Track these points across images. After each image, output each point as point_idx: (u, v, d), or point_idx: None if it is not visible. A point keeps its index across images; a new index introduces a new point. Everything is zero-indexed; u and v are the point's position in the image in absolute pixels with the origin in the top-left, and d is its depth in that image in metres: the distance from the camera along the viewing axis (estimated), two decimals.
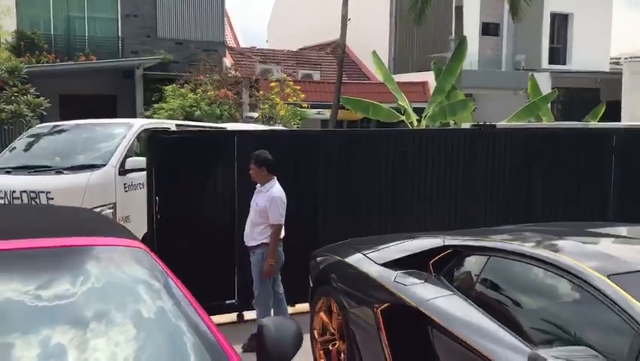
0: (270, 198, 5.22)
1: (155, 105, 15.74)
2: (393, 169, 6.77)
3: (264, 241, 5.27)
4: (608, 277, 2.90)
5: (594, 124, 11.27)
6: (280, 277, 5.56)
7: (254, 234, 5.35)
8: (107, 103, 17.27)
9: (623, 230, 4.44)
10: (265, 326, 2.41)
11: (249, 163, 5.37)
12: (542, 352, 2.62)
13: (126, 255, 2.77)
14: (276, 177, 5.38)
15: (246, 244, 5.46)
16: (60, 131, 7.70)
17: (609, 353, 2.70)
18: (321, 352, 4.76)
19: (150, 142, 5.97)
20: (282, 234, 5.40)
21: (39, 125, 8.64)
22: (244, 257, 5.54)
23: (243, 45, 27.23)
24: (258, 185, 5.41)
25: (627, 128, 8.34)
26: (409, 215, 6.76)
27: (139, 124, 7.43)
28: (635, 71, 10.07)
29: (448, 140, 7.11)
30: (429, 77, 16.01)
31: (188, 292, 2.66)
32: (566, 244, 3.56)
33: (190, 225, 5.99)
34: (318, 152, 6.49)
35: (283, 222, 5.31)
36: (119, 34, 19.09)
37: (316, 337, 4.83)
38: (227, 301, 5.89)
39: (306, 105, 17.65)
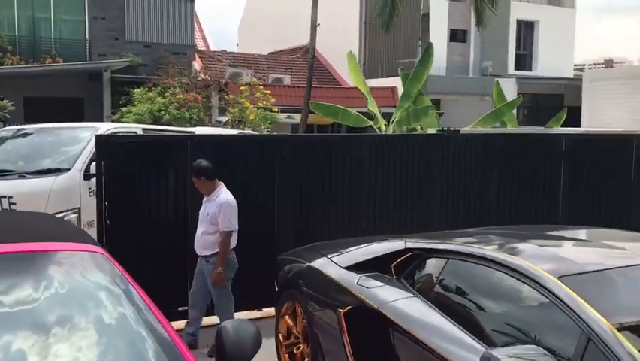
0: (218, 205, 5.20)
1: (123, 109, 15.60)
2: (350, 175, 6.76)
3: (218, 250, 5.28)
4: (559, 278, 3.01)
5: (543, 129, 11.54)
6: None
7: (206, 243, 5.32)
8: (73, 106, 17.03)
9: (576, 233, 4.59)
10: (224, 328, 2.45)
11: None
12: (495, 351, 2.71)
13: (86, 260, 2.77)
14: (223, 184, 5.36)
15: (197, 253, 5.43)
16: (24, 135, 7.60)
17: (559, 351, 2.81)
18: (286, 355, 4.80)
19: (99, 147, 5.81)
20: (234, 242, 5.35)
21: (2, 129, 8.52)
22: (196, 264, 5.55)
23: (213, 48, 27.11)
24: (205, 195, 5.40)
25: (576, 134, 8.57)
26: (365, 219, 6.79)
27: (105, 128, 7.37)
28: (594, 78, 10.37)
29: (404, 145, 7.18)
30: (398, 83, 16.19)
31: (148, 298, 2.67)
32: (521, 246, 3.67)
33: (141, 231, 5.88)
34: (274, 156, 6.43)
35: (235, 229, 5.28)
36: (87, 36, 18.86)
37: (281, 340, 4.87)
38: (179, 308, 5.78)
39: (276, 109, 17.68)
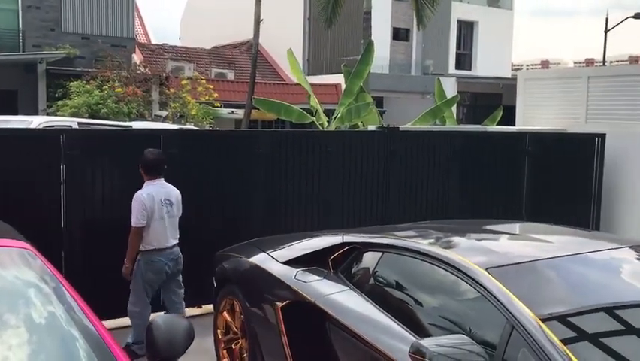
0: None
1: (59, 102, 15.11)
2: (272, 171, 6.63)
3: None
4: (487, 270, 3.12)
5: (492, 127, 11.91)
6: (175, 284, 5.36)
7: None
8: (6, 99, 16.34)
9: (511, 227, 4.76)
10: (155, 323, 2.43)
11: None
12: (425, 341, 2.79)
13: (13, 256, 2.69)
14: (157, 180, 5.13)
15: None
16: None
17: (486, 340, 2.91)
18: (224, 351, 4.78)
19: None
20: (163, 242, 5.13)
21: None
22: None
23: (154, 42, 26.60)
24: None
25: (540, 132, 8.88)
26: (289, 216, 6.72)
27: (38, 121, 7.16)
28: (527, 77, 10.73)
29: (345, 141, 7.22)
30: (342, 80, 16.32)
31: (78, 296, 2.61)
32: (454, 240, 3.79)
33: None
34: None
35: (140, 225, 5.02)
36: (20, 26, 18.15)
37: (219, 336, 4.85)
38: None
39: (218, 104, 17.51)
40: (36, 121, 7.15)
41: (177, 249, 5.28)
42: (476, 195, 7.81)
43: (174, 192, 5.25)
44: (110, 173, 5.82)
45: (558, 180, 8.35)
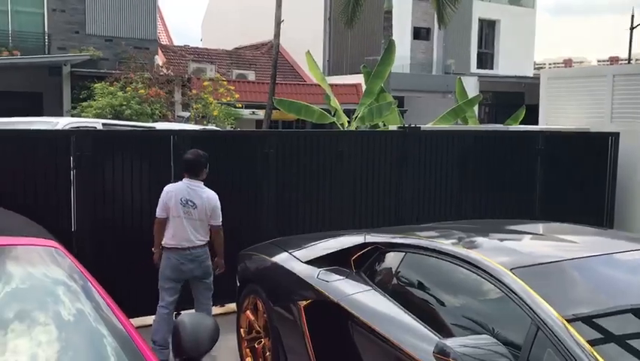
0: None
1: (83, 103, 15.31)
2: (283, 171, 6.66)
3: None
4: (511, 270, 3.10)
5: (515, 127, 11.80)
6: (202, 286, 5.34)
7: None
8: (32, 101, 16.64)
9: (533, 227, 4.71)
10: (181, 321, 2.45)
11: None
12: (449, 341, 2.78)
13: (42, 255, 2.74)
14: (189, 179, 5.18)
15: None
16: None
17: (511, 341, 2.89)
18: (247, 350, 4.82)
19: None
20: (174, 240, 5.16)
21: None
22: None
23: (176, 43, 26.83)
24: None
25: (552, 131, 8.85)
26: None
27: (64, 122, 7.26)
28: (551, 76, 10.60)
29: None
30: (362, 80, 16.28)
31: (106, 294, 2.64)
32: (477, 240, 3.77)
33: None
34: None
35: (160, 218, 5.15)
36: (45, 29, 18.42)
37: (242, 335, 4.88)
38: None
39: (240, 105, 17.59)
40: (62, 122, 7.24)
41: (201, 252, 5.18)
42: (490, 195, 7.83)
43: (203, 196, 5.14)
44: (122, 174, 5.87)
45: (572, 179, 8.33)
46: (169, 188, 5.23)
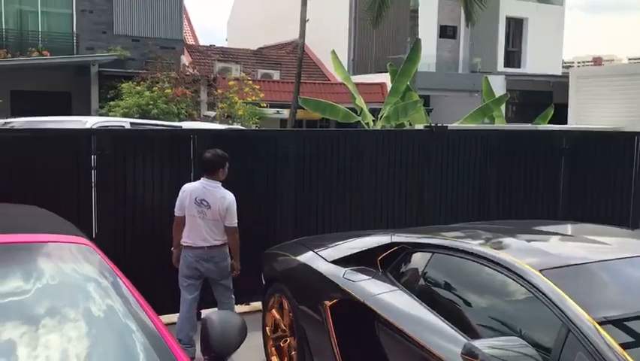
0: None
1: (111, 103, 15.52)
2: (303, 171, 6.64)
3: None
4: (540, 271, 3.06)
5: (543, 126, 11.65)
6: (221, 287, 5.34)
7: None
8: (60, 100, 16.93)
9: (559, 228, 4.64)
10: (209, 319, 2.47)
11: None
12: (477, 343, 2.75)
13: (73, 252, 2.77)
14: (206, 179, 5.16)
15: None
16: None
17: (540, 343, 2.85)
18: (273, 348, 4.83)
19: None
20: (185, 238, 5.18)
21: None
22: None
23: (201, 43, 27.03)
24: None
25: (576, 130, 8.73)
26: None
27: (92, 122, 7.37)
28: (580, 75, 10.44)
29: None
30: (387, 79, 16.22)
31: (136, 291, 2.67)
32: (505, 240, 3.72)
33: None
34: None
35: (177, 216, 5.20)
36: (74, 29, 18.72)
37: (268, 334, 4.90)
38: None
39: (264, 105, 17.66)
40: (91, 121, 7.36)
41: (217, 252, 5.15)
42: (513, 194, 7.76)
43: (217, 196, 5.09)
44: (143, 173, 5.88)
45: (595, 178, 8.22)
46: (186, 187, 5.26)
